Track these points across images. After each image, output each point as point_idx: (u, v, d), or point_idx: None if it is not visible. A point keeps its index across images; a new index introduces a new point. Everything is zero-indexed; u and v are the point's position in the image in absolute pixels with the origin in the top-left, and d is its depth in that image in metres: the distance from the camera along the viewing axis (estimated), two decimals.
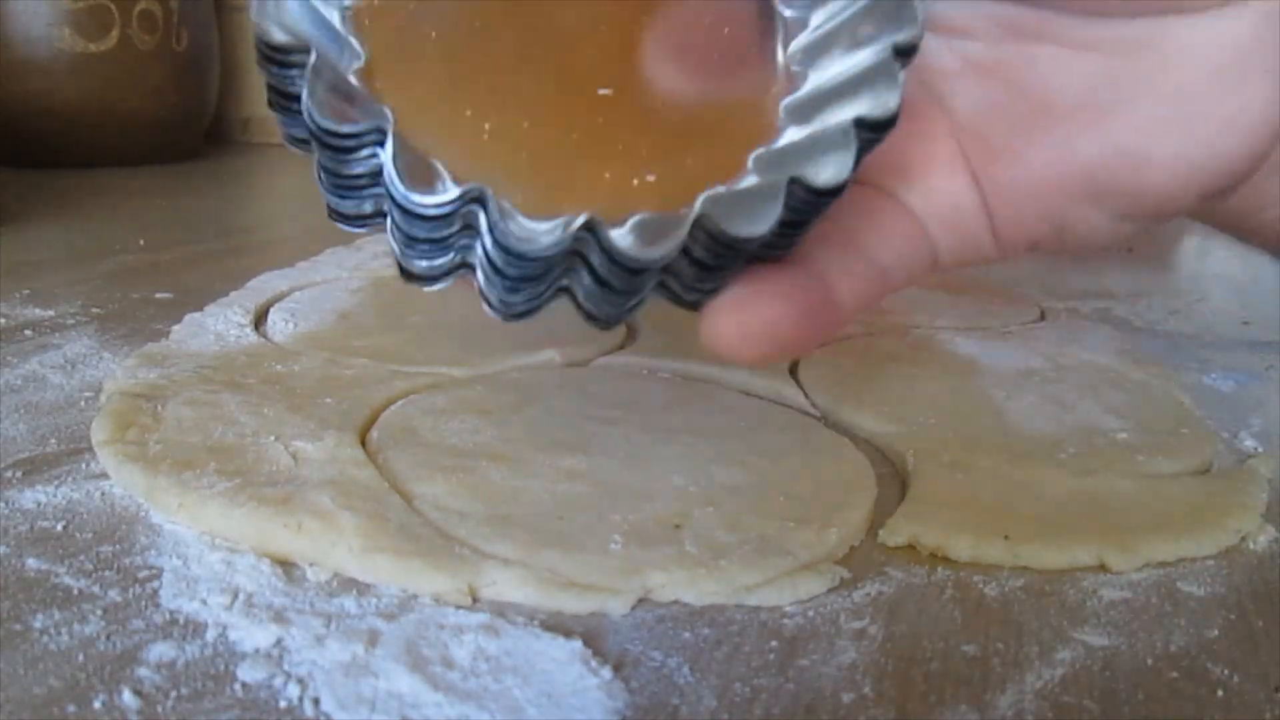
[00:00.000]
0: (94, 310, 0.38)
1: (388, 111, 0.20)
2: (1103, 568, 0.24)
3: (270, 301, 0.39)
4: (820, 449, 0.30)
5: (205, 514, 0.23)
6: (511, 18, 0.23)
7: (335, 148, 0.21)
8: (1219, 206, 0.28)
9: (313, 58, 0.21)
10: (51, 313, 0.37)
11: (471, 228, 0.21)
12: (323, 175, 0.23)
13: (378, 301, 0.41)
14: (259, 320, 0.37)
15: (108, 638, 0.19)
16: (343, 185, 0.22)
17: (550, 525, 0.24)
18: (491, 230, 0.20)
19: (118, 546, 0.22)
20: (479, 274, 0.22)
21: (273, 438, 0.27)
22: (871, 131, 0.22)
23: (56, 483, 0.25)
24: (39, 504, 0.24)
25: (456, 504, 0.24)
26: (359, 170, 0.22)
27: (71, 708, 0.17)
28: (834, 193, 0.22)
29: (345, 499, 0.24)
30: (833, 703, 0.19)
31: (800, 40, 0.24)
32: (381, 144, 0.21)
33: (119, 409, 0.27)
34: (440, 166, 0.20)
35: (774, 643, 0.21)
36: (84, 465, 0.26)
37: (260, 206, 0.66)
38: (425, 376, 0.32)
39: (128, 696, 0.17)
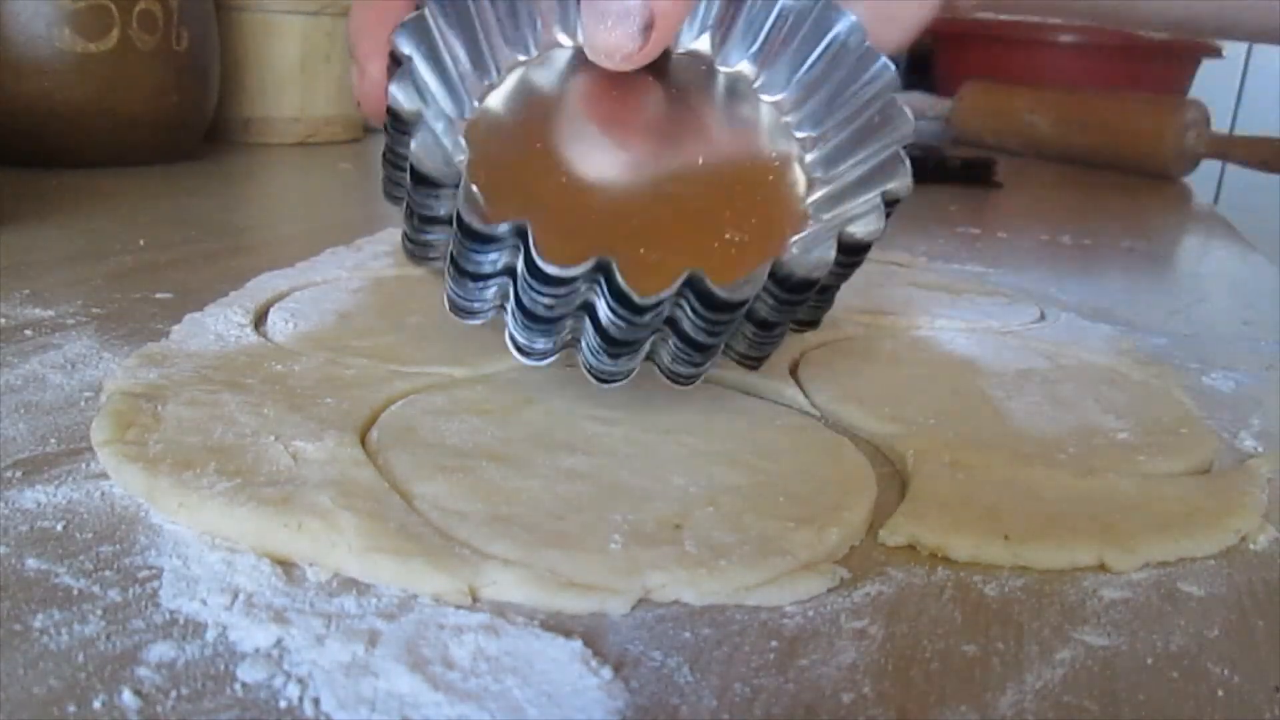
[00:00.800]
0: (94, 310, 0.38)
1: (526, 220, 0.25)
2: (1103, 568, 0.24)
3: (270, 301, 0.39)
4: (820, 449, 0.30)
5: (205, 514, 0.23)
6: (583, 165, 0.29)
7: (477, 246, 0.26)
8: None
9: (463, 182, 0.25)
10: (51, 313, 0.37)
11: (585, 306, 0.26)
12: (454, 275, 0.28)
13: (378, 301, 0.41)
14: (259, 320, 0.37)
15: (108, 638, 0.19)
16: (471, 277, 0.27)
17: (550, 525, 0.24)
18: (609, 291, 0.25)
19: (118, 546, 0.22)
20: (585, 346, 0.28)
21: (273, 438, 0.27)
22: (889, 205, 0.28)
23: (56, 483, 0.25)
24: (39, 504, 0.24)
25: (456, 504, 0.24)
26: (488, 268, 0.27)
27: (71, 708, 0.17)
28: (867, 247, 0.28)
29: (345, 499, 0.24)
30: (833, 703, 0.19)
31: (817, 196, 0.30)
32: (522, 238, 0.25)
33: (119, 409, 0.27)
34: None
35: (774, 643, 0.21)
36: (84, 465, 0.26)
37: (260, 206, 0.66)
38: (425, 376, 0.32)
39: (128, 696, 0.17)
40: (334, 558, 0.22)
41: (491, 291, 0.28)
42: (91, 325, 0.36)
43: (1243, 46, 1.93)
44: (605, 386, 0.29)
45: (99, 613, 0.20)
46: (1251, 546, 0.26)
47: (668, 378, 0.29)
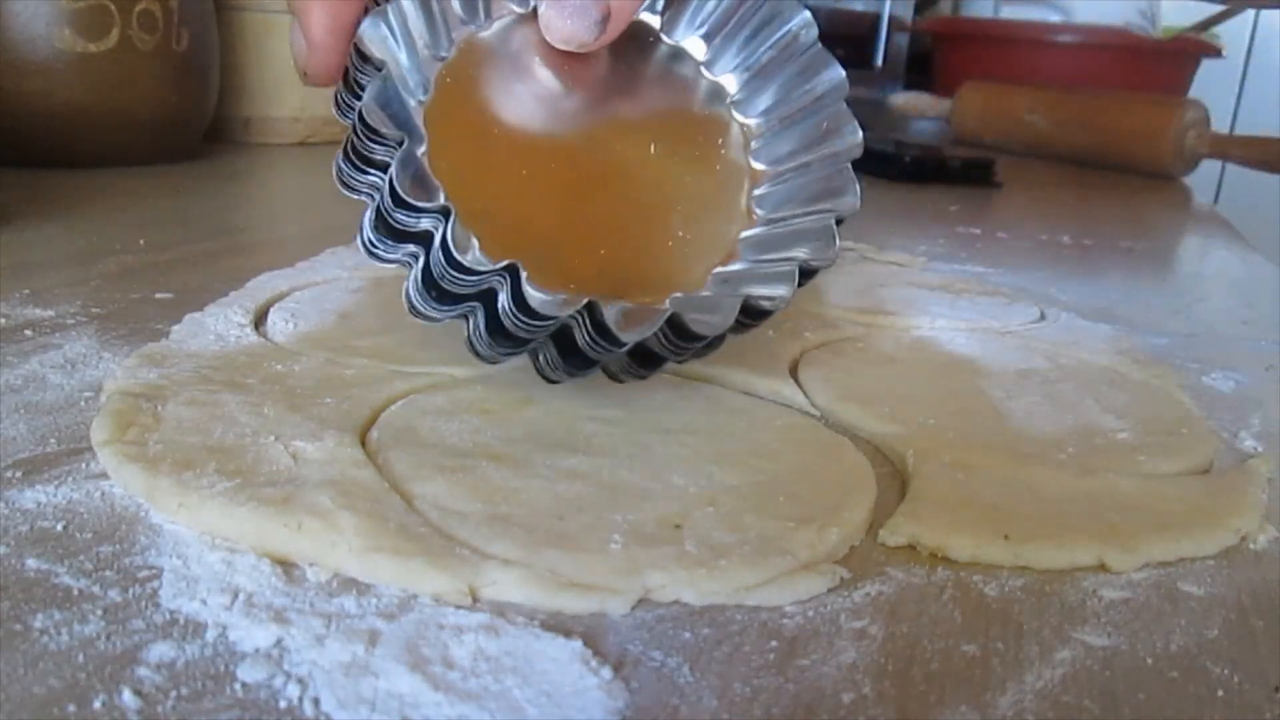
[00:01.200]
0: (94, 310, 0.38)
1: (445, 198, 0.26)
2: (1103, 568, 0.24)
3: (270, 301, 0.39)
4: (820, 449, 0.30)
5: (205, 514, 0.23)
6: (538, 153, 0.29)
7: (403, 212, 0.27)
8: None
9: (405, 145, 0.26)
10: (51, 313, 0.37)
11: (491, 291, 0.26)
12: (376, 224, 0.28)
13: (378, 301, 0.41)
14: (259, 320, 0.37)
15: (108, 638, 0.19)
16: (394, 235, 0.28)
17: (550, 525, 0.24)
18: (513, 296, 0.25)
19: (118, 546, 0.22)
20: (472, 325, 0.27)
21: (273, 438, 0.27)
22: (804, 276, 0.29)
23: (56, 483, 0.25)
24: (39, 504, 0.24)
25: (456, 504, 0.24)
26: (415, 229, 0.27)
27: (71, 708, 0.17)
28: (768, 314, 0.28)
29: (345, 499, 0.24)
30: (833, 703, 0.19)
31: (762, 190, 0.31)
32: (444, 215, 0.26)
33: (119, 409, 0.27)
34: (474, 239, 0.25)
35: (774, 643, 0.21)
36: (84, 465, 0.26)
37: (260, 206, 0.66)
38: (425, 376, 0.32)
39: (128, 696, 0.17)
40: (334, 558, 0.22)
41: (407, 250, 0.28)
42: (91, 325, 0.36)
43: (1243, 46, 1.93)
44: (477, 359, 0.29)
45: (99, 613, 0.20)
46: (1251, 546, 0.26)
47: (536, 369, 0.30)
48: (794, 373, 0.36)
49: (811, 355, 0.38)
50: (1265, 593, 0.24)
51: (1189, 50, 1.37)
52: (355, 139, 0.28)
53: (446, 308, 0.27)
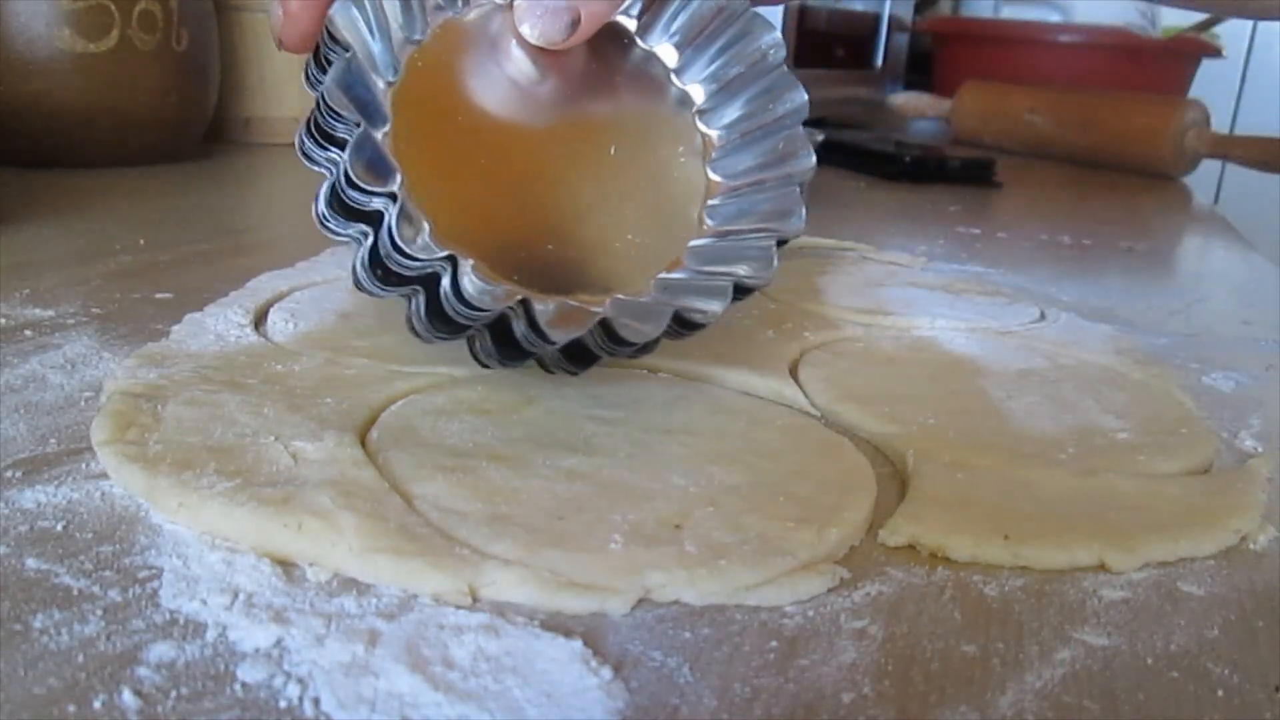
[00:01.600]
0: (94, 310, 0.38)
1: (400, 182, 0.26)
2: (1103, 568, 0.24)
3: (270, 301, 0.39)
4: (820, 449, 0.30)
5: (205, 514, 0.23)
6: (504, 142, 0.30)
7: (356, 192, 0.27)
8: None
9: (361, 129, 0.27)
10: (51, 313, 0.37)
11: (435, 275, 0.27)
12: (330, 199, 0.28)
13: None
14: (259, 320, 0.37)
15: (108, 638, 0.19)
16: (346, 212, 0.28)
17: (550, 525, 0.24)
18: (454, 283, 0.26)
19: (118, 546, 0.22)
20: (413, 306, 0.28)
21: (273, 438, 0.27)
22: (740, 293, 0.30)
23: (56, 483, 0.25)
24: (39, 504, 0.24)
25: (456, 504, 0.24)
26: (368, 209, 0.27)
27: (71, 708, 0.17)
28: (699, 327, 0.29)
29: (345, 499, 0.24)
30: (833, 703, 0.19)
31: (715, 201, 0.32)
32: (392, 199, 0.26)
33: (119, 409, 0.27)
34: (426, 224, 0.26)
35: (774, 643, 0.21)
36: (84, 465, 0.26)
37: (260, 206, 0.66)
38: (425, 376, 0.32)
39: (128, 696, 0.17)
40: (334, 558, 0.22)
41: (358, 228, 0.28)
42: (91, 325, 0.36)
43: (1243, 46, 1.93)
44: (415, 338, 0.29)
45: (99, 613, 0.20)
46: (1251, 546, 0.26)
47: (472, 353, 0.30)
48: (794, 373, 0.36)
49: (811, 355, 0.38)
50: (1265, 593, 0.24)
51: (1189, 50, 1.37)
52: (318, 115, 0.29)
53: (390, 288, 0.28)
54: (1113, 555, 0.24)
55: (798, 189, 0.32)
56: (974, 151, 1.02)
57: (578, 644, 0.20)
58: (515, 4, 0.30)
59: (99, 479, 0.25)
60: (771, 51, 0.32)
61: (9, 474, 0.25)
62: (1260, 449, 0.32)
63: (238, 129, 0.83)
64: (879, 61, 1.46)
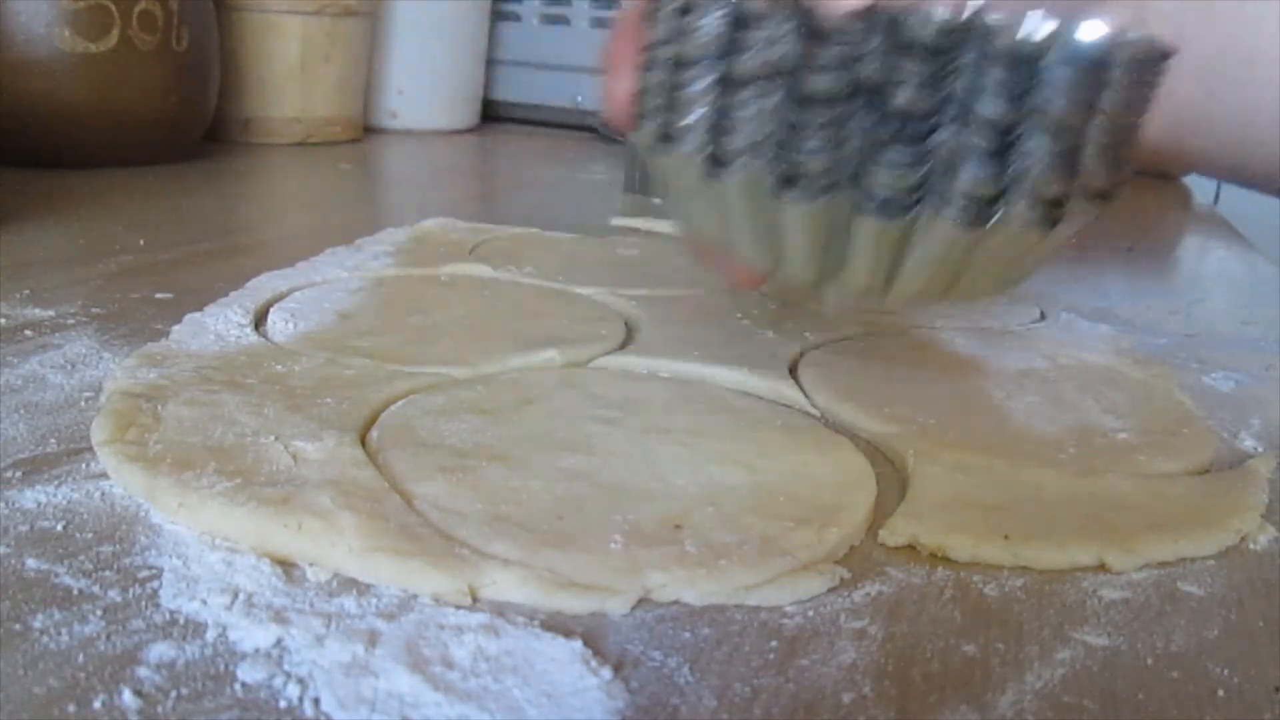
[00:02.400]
0: (94, 310, 0.38)
1: None
2: (1103, 568, 0.24)
3: (270, 301, 0.39)
4: (820, 449, 0.30)
5: (205, 514, 0.23)
6: None
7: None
8: None
9: None
10: (51, 313, 0.37)
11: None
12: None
13: (378, 301, 0.41)
14: (259, 320, 0.37)
15: (108, 638, 0.19)
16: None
17: (550, 525, 0.24)
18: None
19: (118, 546, 0.22)
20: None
21: (273, 438, 0.27)
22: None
23: (56, 483, 0.25)
24: (39, 504, 0.24)
25: (456, 504, 0.24)
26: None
27: (71, 708, 0.17)
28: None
29: (345, 499, 0.24)
30: (833, 703, 0.19)
31: None
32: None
33: (119, 409, 0.27)
34: None
35: (774, 643, 0.21)
36: (84, 465, 0.26)
37: (260, 206, 0.66)
38: (425, 376, 0.32)
39: (128, 696, 0.17)
40: (334, 558, 0.22)
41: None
42: (91, 325, 0.36)
43: None
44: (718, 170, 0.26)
45: (99, 613, 0.20)
46: (1251, 546, 0.26)
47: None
48: (794, 373, 0.36)
49: (811, 355, 0.38)
50: (1265, 593, 0.24)
51: None
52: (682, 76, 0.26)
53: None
54: (1113, 555, 0.24)
55: None
56: None
57: (578, 644, 0.20)
58: None
59: (99, 479, 0.25)
60: None
61: (9, 474, 0.25)
62: (1260, 449, 0.32)
63: (238, 129, 0.83)
64: None
